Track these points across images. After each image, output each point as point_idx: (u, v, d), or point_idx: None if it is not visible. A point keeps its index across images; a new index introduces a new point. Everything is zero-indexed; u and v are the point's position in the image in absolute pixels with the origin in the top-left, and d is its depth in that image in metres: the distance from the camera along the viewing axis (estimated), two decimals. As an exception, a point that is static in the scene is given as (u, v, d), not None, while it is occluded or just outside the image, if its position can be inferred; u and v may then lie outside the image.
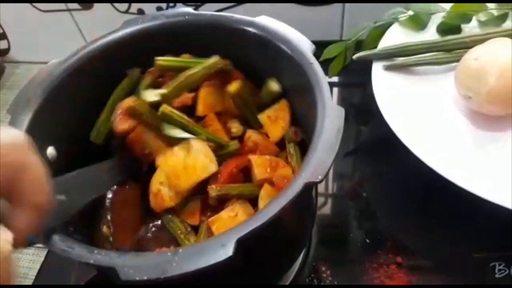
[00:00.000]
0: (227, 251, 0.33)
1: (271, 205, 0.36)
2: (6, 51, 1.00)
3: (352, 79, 0.82)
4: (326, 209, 0.65)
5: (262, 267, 0.46)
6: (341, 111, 0.41)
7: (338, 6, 0.82)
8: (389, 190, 0.66)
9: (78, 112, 0.51)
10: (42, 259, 0.65)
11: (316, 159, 0.38)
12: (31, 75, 0.49)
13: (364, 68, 0.69)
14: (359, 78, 0.79)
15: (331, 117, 0.41)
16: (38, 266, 0.64)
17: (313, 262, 0.58)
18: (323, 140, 0.39)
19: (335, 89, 0.82)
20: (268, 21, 0.50)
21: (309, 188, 0.37)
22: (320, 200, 0.65)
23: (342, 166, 0.69)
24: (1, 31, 0.96)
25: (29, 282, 0.64)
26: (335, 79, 0.81)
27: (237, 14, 0.51)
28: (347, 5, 0.81)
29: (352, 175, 0.69)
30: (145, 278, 0.33)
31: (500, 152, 0.58)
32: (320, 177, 0.37)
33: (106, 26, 0.53)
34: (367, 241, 0.59)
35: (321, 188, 0.67)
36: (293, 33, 0.48)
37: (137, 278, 0.33)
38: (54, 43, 0.89)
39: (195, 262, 0.33)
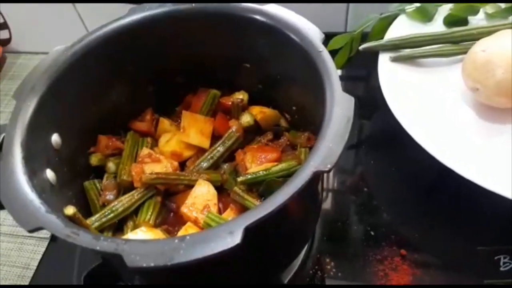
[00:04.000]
0: (235, 238, 0.33)
1: (279, 194, 0.35)
2: (7, 41, 1.00)
3: (356, 72, 0.81)
4: (330, 203, 0.64)
5: (267, 257, 0.46)
6: (351, 100, 0.40)
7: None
8: (393, 183, 0.65)
9: (83, 99, 0.51)
10: (43, 249, 0.65)
11: (325, 148, 0.37)
12: (32, 65, 0.49)
13: (368, 61, 0.68)
14: (363, 71, 0.79)
15: (340, 106, 0.40)
16: (39, 257, 0.64)
17: (317, 254, 0.58)
18: (332, 129, 0.39)
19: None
20: (276, 9, 0.49)
21: (317, 177, 0.37)
22: (324, 194, 0.65)
23: (345, 159, 0.69)
24: (3, 20, 0.96)
25: (30, 272, 0.63)
26: (338, 72, 0.80)
27: (245, 2, 0.51)
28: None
29: (355, 168, 0.69)
30: (152, 265, 0.32)
31: (507, 144, 0.57)
32: (329, 166, 0.36)
33: (108, 16, 0.53)
34: (372, 233, 0.59)
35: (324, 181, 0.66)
36: (302, 21, 0.47)
37: (144, 265, 0.32)
38: (56, 33, 0.88)
39: (202, 249, 0.32)
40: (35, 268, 0.63)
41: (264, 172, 0.49)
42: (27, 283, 0.62)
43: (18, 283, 0.64)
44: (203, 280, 0.45)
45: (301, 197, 0.36)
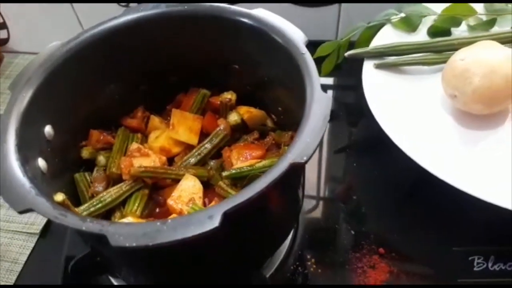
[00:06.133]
0: (214, 222, 0.34)
1: (257, 182, 0.37)
2: (5, 41, 1.01)
3: (345, 81, 0.84)
4: (312, 203, 0.66)
5: (247, 247, 0.48)
6: (328, 99, 0.43)
7: (334, 7, 0.84)
8: (375, 186, 0.68)
9: (77, 94, 0.53)
10: (33, 245, 0.66)
11: (302, 142, 0.39)
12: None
13: (356, 70, 0.70)
14: (351, 80, 0.81)
15: (318, 104, 0.42)
16: (28, 252, 0.65)
17: (299, 251, 0.59)
18: (310, 125, 0.41)
19: (328, 91, 0.84)
20: (264, 13, 0.51)
21: (295, 169, 0.39)
22: (310, 198, 0.67)
23: (332, 163, 0.71)
24: (1, 20, 0.97)
25: (19, 267, 0.64)
26: (328, 81, 0.83)
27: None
28: (343, 6, 0.83)
29: (340, 172, 0.71)
30: (134, 244, 0.34)
31: (484, 148, 0.60)
32: (305, 158, 0.38)
33: (105, 17, 0.55)
34: (352, 232, 0.61)
35: (311, 187, 0.68)
36: (287, 25, 0.50)
37: (127, 245, 0.34)
38: (53, 34, 0.90)
39: (183, 231, 0.34)
40: (23, 263, 0.64)
41: (248, 168, 0.51)
42: (15, 277, 0.63)
43: (6, 276, 0.64)
44: (186, 269, 0.47)
45: (279, 187, 0.38)
